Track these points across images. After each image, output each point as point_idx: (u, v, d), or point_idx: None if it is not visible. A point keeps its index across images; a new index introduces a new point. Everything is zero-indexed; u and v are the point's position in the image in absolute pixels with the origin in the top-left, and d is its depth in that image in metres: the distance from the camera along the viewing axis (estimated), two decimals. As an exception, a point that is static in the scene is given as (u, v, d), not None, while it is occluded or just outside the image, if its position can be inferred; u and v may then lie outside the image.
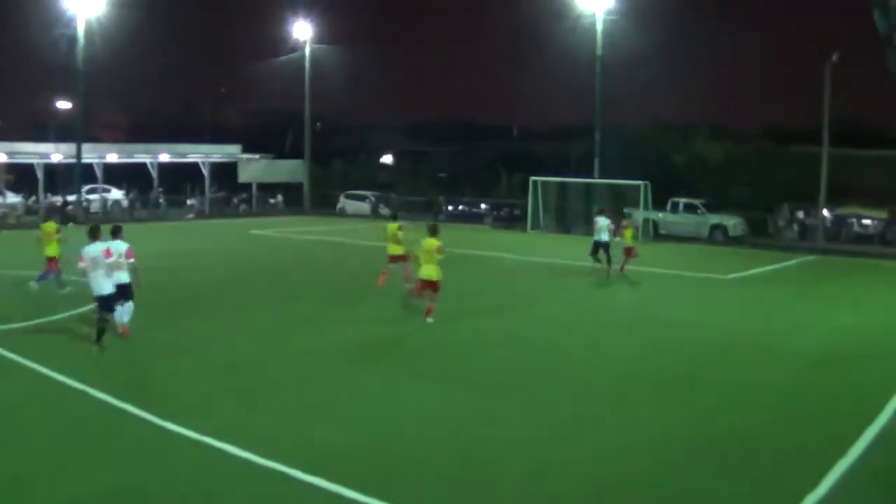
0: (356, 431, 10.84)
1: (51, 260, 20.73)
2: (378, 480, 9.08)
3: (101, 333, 14.68)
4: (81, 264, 14.79)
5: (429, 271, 17.76)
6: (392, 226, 22.10)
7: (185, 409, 11.50)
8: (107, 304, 14.84)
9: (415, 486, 9.07)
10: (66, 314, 18.16)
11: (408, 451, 10.23)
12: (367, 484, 8.90)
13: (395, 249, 21.87)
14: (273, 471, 9.31)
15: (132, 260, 15.64)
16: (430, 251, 17.73)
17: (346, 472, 9.22)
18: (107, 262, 14.77)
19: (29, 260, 26.66)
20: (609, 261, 26.09)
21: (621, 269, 26.24)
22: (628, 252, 26.13)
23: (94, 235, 15.05)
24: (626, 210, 37.91)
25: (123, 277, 15.37)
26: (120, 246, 15.45)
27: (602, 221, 26.50)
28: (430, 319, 17.75)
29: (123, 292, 15.36)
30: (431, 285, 17.72)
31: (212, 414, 11.38)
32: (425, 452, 10.18)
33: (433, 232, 18.14)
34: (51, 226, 21.34)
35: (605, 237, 26.21)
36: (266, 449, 9.82)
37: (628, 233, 26.44)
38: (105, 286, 14.72)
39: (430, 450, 10.29)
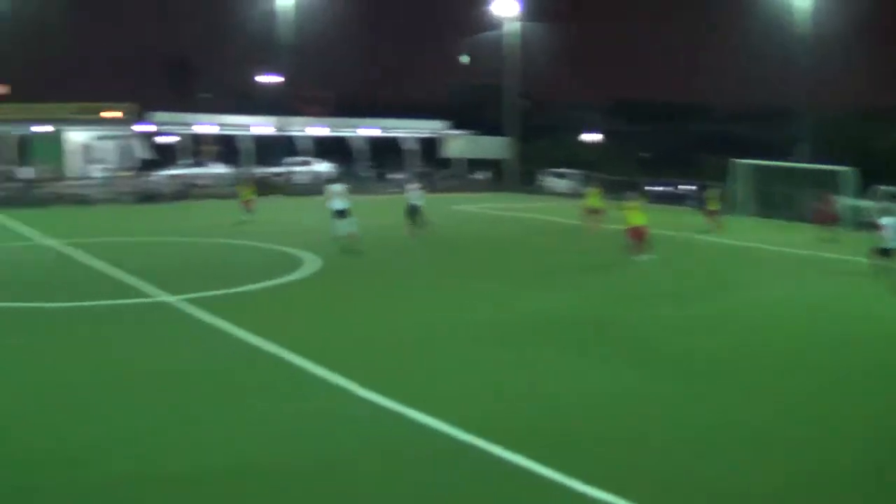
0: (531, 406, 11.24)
1: None
2: (556, 453, 9.32)
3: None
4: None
5: None
6: None
7: (375, 375, 12.12)
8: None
9: (589, 460, 9.31)
10: (263, 284, 19.81)
11: (581, 425, 10.56)
12: (543, 455, 9.15)
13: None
14: (465, 442, 9.72)
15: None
16: None
17: (521, 441, 9.57)
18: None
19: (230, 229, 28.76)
20: None
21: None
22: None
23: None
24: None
25: (341, 204, 27.01)
26: (338, 187, 28.55)
27: None
28: None
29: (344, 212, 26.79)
30: None
31: (399, 382, 11.93)
32: (598, 429, 10.42)
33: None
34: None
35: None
36: (452, 418, 10.27)
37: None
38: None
39: (601, 427, 10.52)
